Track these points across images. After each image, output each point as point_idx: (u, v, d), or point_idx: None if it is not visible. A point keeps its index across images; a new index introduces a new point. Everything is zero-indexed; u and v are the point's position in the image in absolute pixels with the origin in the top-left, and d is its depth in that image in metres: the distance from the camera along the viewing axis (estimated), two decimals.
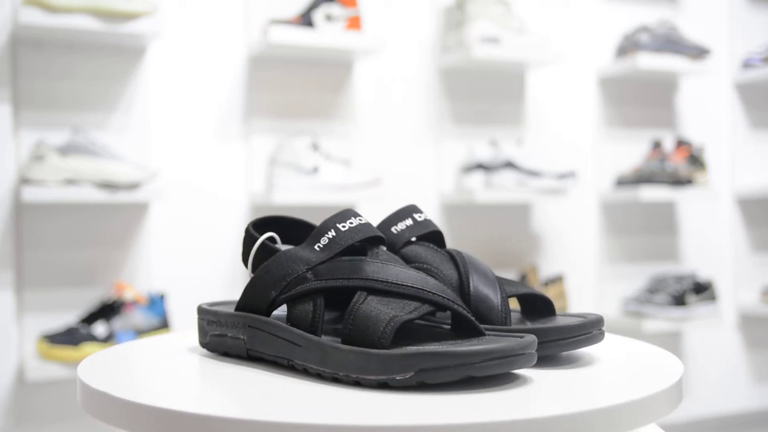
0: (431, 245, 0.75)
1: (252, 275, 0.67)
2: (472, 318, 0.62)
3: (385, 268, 0.63)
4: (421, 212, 0.76)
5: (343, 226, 0.66)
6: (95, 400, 0.59)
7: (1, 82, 1.87)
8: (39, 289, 1.89)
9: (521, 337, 0.59)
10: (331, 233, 0.65)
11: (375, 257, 0.65)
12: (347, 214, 0.67)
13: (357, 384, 0.58)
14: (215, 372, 0.65)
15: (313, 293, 0.63)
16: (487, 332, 0.62)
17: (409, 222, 0.75)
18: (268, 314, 0.65)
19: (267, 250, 0.68)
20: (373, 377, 0.57)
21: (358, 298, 0.61)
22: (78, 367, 0.67)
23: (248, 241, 0.69)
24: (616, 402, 0.55)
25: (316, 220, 0.75)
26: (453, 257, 0.73)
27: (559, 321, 0.70)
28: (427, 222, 0.76)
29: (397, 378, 0.56)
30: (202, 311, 0.72)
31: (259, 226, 0.71)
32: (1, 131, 1.86)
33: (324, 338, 0.62)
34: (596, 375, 0.66)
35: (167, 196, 1.95)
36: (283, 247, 0.69)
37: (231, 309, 0.70)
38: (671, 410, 0.60)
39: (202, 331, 0.71)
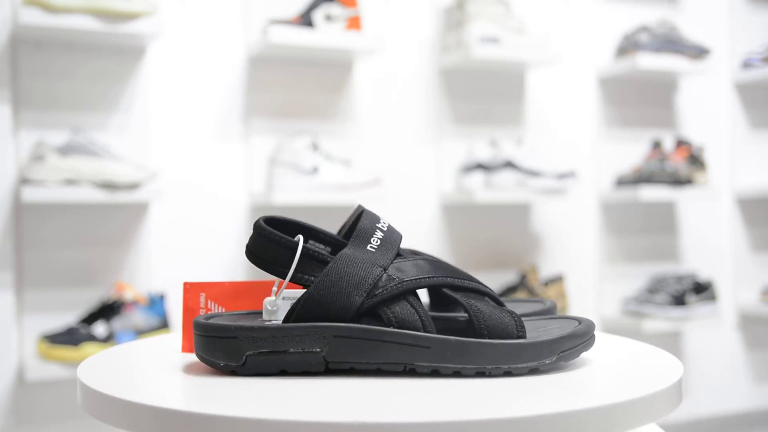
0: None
1: (277, 277, 0.65)
2: (505, 305, 0.67)
3: (449, 266, 0.67)
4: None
5: (383, 226, 0.66)
6: (95, 400, 0.59)
7: (1, 82, 1.87)
8: (39, 289, 1.89)
9: (579, 321, 0.67)
10: (379, 234, 0.65)
11: (416, 257, 0.67)
12: (374, 214, 0.68)
13: (507, 374, 0.62)
14: (215, 372, 0.65)
15: (405, 294, 0.63)
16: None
17: None
18: (352, 321, 0.62)
19: (311, 255, 0.64)
20: (525, 365, 0.62)
21: (464, 297, 0.65)
22: (78, 368, 0.67)
23: (270, 242, 0.64)
24: (616, 401, 0.55)
25: (316, 220, 0.75)
26: (416, 254, 0.77)
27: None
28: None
29: (546, 362, 0.63)
30: (231, 329, 0.62)
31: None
32: (1, 131, 1.86)
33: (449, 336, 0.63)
34: (596, 374, 0.66)
35: (167, 196, 1.95)
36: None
37: (247, 322, 0.63)
38: (671, 410, 0.60)
39: (232, 353, 0.62)
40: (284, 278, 0.64)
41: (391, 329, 0.62)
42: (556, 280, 2.33)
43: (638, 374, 0.66)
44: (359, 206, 0.76)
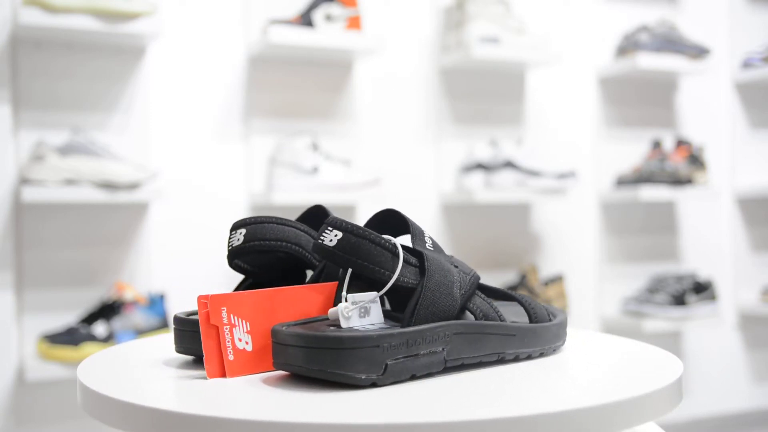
0: None
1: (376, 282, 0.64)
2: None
3: None
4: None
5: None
6: (95, 401, 0.59)
7: (1, 82, 1.87)
8: (39, 289, 1.89)
9: (555, 315, 0.75)
10: (427, 233, 0.67)
11: (449, 256, 0.71)
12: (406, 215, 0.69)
13: (554, 351, 0.71)
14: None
15: (475, 288, 0.67)
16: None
17: None
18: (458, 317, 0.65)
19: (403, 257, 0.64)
20: (560, 343, 0.72)
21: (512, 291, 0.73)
22: (78, 368, 0.67)
23: (372, 243, 0.62)
24: (615, 399, 0.55)
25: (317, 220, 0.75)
26: None
27: None
28: None
29: (565, 339, 0.73)
30: (374, 338, 0.58)
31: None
32: (1, 131, 1.86)
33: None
34: (596, 373, 0.66)
35: (167, 196, 1.95)
36: None
37: (337, 331, 0.60)
38: (671, 409, 0.60)
39: (374, 363, 0.58)
40: (383, 280, 0.62)
41: (488, 322, 0.66)
42: (556, 280, 2.33)
43: (638, 373, 0.66)
44: (319, 206, 0.75)
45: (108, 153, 1.83)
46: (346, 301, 0.63)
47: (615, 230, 2.56)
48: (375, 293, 0.63)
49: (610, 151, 2.55)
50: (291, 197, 1.95)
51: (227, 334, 0.62)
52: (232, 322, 0.62)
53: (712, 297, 2.45)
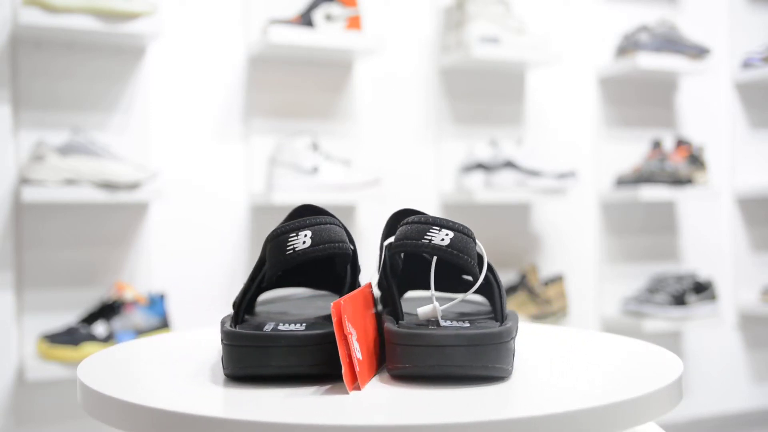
0: None
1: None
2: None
3: None
4: None
5: None
6: (95, 400, 0.59)
7: (1, 82, 1.87)
8: (39, 289, 1.89)
9: None
10: None
11: None
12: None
13: None
14: (215, 373, 0.65)
15: None
16: None
17: None
18: None
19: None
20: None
21: None
22: (78, 367, 0.67)
23: (473, 242, 0.64)
24: (616, 399, 0.55)
25: None
26: None
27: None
28: None
29: None
30: (512, 330, 0.62)
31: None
32: (1, 131, 1.86)
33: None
34: (596, 373, 0.66)
35: (167, 196, 1.95)
36: None
37: (440, 329, 0.61)
38: (671, 408, 0.60)
39: (511, 354, 0.62)
40: (476, 276, 0.64)
41: (515, 310, 0.71)
42: (556, 280, 2.33)
43: (638, 372, 0.66)
44: (307, 205, 0.74)
45: (108, 153, 1.83)
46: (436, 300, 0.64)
47: (615, 230, 2.56)
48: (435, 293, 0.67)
49: (610, 151, 2.55)
50: (291, 197, 1.95)
51: (353, 343, 0.59)
52: (349, 330, 0.59)
53: (712, 297, 2.45)
